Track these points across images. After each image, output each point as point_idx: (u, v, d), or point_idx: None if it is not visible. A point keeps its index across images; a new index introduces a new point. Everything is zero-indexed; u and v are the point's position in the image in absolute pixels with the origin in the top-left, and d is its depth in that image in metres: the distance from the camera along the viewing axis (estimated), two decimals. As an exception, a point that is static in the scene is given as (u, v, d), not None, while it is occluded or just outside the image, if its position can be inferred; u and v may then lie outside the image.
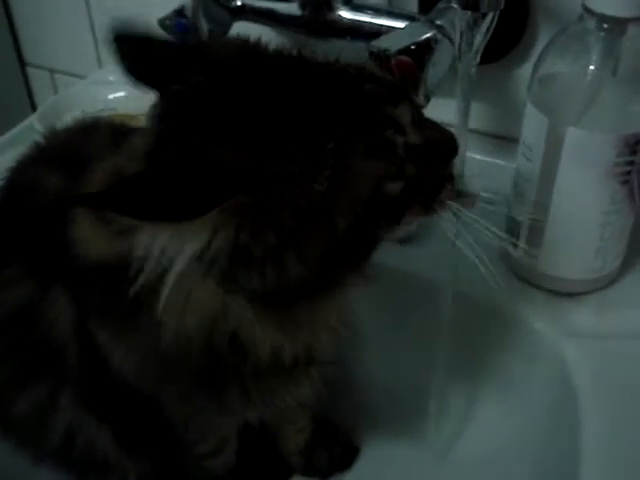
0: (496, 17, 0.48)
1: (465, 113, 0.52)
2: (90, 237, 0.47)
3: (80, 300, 0.51)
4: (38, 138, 0.62)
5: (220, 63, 0.45)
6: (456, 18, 0.64)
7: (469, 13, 0.47)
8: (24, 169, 0.59)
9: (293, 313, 0.47)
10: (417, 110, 0.47)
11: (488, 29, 0.48)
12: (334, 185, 0.41)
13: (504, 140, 0.77)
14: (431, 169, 0.46)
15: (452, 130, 0.48)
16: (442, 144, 0.47)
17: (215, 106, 0.42)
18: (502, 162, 0.75)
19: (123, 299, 0.44)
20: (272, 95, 0.42)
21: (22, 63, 1.11)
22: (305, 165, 0.40)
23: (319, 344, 0.51)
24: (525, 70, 0.72)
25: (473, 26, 0.48)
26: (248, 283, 0.43)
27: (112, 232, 0.44)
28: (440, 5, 0.67)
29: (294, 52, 0.46)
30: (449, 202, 0.48)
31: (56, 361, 0.53)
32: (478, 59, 0.50)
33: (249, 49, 0.46)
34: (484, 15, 0.47)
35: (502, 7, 0.47)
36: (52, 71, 1.08)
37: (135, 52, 0.47)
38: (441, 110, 0.69)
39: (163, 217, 0.37)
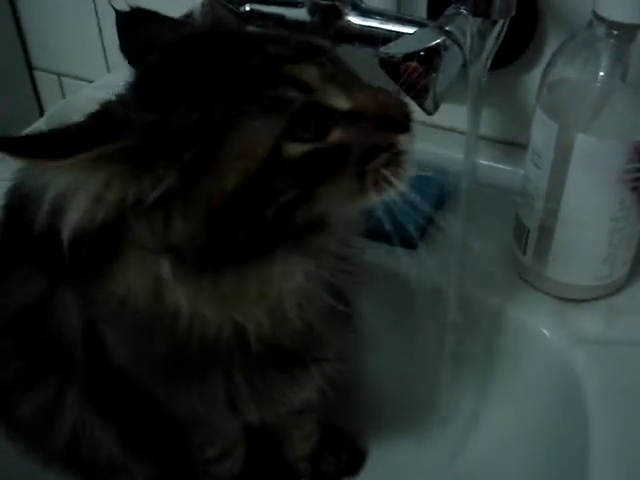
0: (506, 24, 0.48)
1: (476, 120, 0.52)
2: None
3: (82, 295, 0.51)
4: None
5: (176, 41, 0.47)
6: (465, 24, 0.64)
7: (479, 20, 0.47)
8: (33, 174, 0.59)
9: (219, 284, 0.44)
10: (345, 73, 0.45)
11: (498, 36, 0.48)
12: (221, 143, 0.41)
13: (512, 146, 0.77)
14: (367, 138, 0.44)
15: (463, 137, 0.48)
16: (381, 112, 0.44)
17: (147, 76, 0.45)
18: (510, 168, 0.75)
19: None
20: (186, 65, 0.44)
21: (30, 67, 1.11)
22: (191, 122, 0.41)
23: (253, 323, 0.47)
24: (533, 76, 0.72)
25: (484, 33, 0.48)
26: (145, 238, 0.43)
27: None
28: (449, 11, 0.67)
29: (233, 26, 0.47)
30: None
31: (63, 360, 0.53)
32: (488, 66, 0.50)
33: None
34: (494, 22, 0.47)
35: (513, 14, 0.47)
36: (60, 75, 1.09)
37: (132, 30, 0.48)
38: (451, 116, 0.70)
39: (44, 154, 0.38)
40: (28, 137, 0.39)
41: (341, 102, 0.43)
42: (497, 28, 0.47)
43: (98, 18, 0.99)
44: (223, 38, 0.46)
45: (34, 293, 0.53)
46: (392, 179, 0.45)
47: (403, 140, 0.45)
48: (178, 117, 0.41)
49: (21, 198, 0.59)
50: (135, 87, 0.45)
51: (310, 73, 0.42)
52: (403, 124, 0.45)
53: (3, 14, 1.06)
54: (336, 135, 0.43)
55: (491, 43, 0.48)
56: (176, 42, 0.46)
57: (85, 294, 0.50)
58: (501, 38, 0.48)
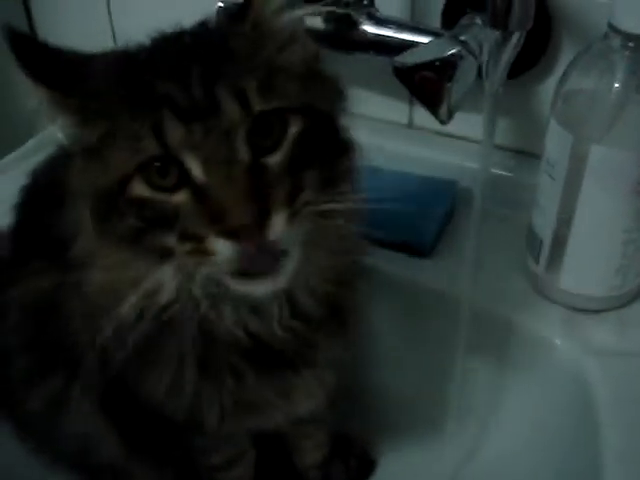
0: (523, 36, 0.48)
1: (491, 130, 0.53)
2: None
3: None
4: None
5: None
6: (480, 34, 0.64)
7: (497, 32, 0.47)
8: (48, 167, 0.60)
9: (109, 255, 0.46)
10: (219, 148, 0.42)
11: (515, 47, 0.48)
12: (111, 143, 0.43)
13: (523, 155, 0.77)
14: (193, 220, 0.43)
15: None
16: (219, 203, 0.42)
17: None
18: (522, 177, 0.75)
19: None
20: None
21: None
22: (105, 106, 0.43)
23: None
24: (547, 86, 0.72)
25: (501, 44, 0.48)
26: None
27: None
28: (463, 21, 0.67)
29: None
30: None
31: (70, 355, 0.53)
32: (505, 77, 0.50)
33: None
34: (511, 34, 0.47)
35: (530, 27, 0.47)
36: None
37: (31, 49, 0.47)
38: (462, 124, 0.70)
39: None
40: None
41: (197, 172, 0.41)
42: (514, 40, 0.47)
43: (110, 17, 1.00)
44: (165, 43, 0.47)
45: (47, 287, 0.53)
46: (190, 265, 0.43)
47: (217, 244, 0.41)
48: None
49: (34, 196, 0.60)
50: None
51: (176, 135, 0.41)
52: (230, 229, 0.40)
53: (17, 18, 1.06)
54: (178, 197, 0.42)
55: (508, 55, 0.48)
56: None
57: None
58: (518, 49, 0.48)
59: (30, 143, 0.90)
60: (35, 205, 0.59)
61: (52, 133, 0.84)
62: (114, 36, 1.00)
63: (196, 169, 0.41)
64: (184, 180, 0.41)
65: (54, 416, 0.58)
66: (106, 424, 0.57)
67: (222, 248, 0.40)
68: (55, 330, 0.54)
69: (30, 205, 0.60)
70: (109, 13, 0.99)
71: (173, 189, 0.42)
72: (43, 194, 0.58)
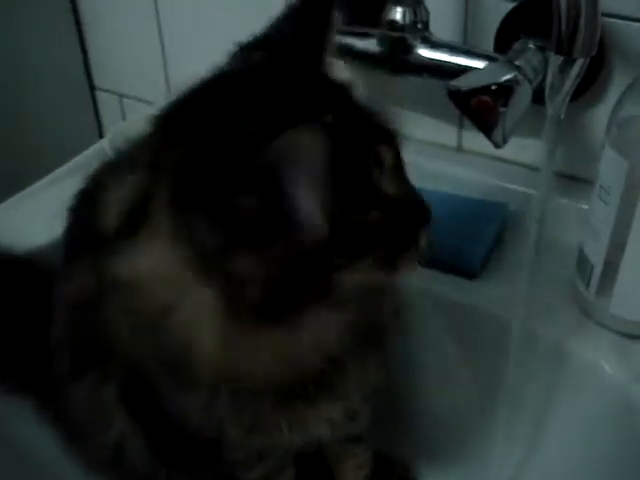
0: (587, 62, 0.48)
1: (551, 155, 0.53)
2: None
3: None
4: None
5: None
6: (534, 59, 0.65)
7: (561, 58, 0.48)
8: (104, 172, 0.60)
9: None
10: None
11: (579, 74, 0.48)
12: None
13: (571, 180, 0.77)
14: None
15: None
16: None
17: None
18: (571, 202, 0.75)
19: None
20: None
21: (92, 87, 1.14)
22: None
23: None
24: (598, 112, 0.72)
25: (564, 70, 0.48)
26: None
27: None
28: (517, 46, 0.68)
29: None
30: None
31: (106, 355, 0.54)
32: (567, 103, 0.50)
33: None
34: (575, 60, 0.48)
35: (595, 54, 0.48)
36: (121, 96, 1.11)
37: None
38: (514, 149, 0.71)
39: None
40: None
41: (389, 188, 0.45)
42: (577, 66, 0.48)
43: (161, 39, 1.01)
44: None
45: (90, 287, 0.54)
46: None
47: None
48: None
49: (88, 200, 0.61)
50: None
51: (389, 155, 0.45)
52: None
53: (68, 34, 1.08)
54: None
55: (571, 80, 0.49)
56: None
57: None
58: (581, 75, 0.49)
59: (80, 156, 0.91)
60: (86, 207, 0.60)
61: (101, 149, 0.87)
62: (164, 56, 1.03)
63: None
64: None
65: (90, 415, 0.58)
66: (135, 429, 0.57)
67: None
68: (93, 328, 0.54)
69: (82, 207, 0.61)
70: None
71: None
72: (94, 196, 0.59)
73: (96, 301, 0.52)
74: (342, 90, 0.47)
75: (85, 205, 0.59)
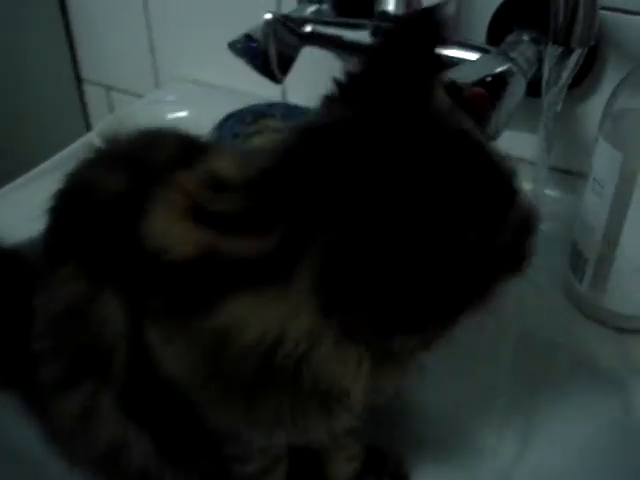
0: (584, 53, 0.48)
1: (547, 148, 0.52)
2: (165, 229, 0.47)
3: (136, 300, 0.51)
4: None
5: None
6: (528, 51, 0.64)
7: (558, 48, 0.47)
8: (84, 170, 0.59)
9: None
10: None
11: (576, 65, 0.48)
12: None
13: (566, 173, 0.77)
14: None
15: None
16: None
17: None
18: (564, 195, 0.75)
19: (190, 296, 0.45)
20: None
21: (78, 79, 1.12)
22: None
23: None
24: (592, 105, 0.72)
25: (561, 61, 0.48)
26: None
27: (192, 224, 0.46)
28: (511, 38, 0.67)
29: None
30: None
31: (100, 364, 0.53)
32: (564, 94, 0.50)
33: None
34: (572, 50, 0.47)
35: (593, 43, 0.47)
36: (108, 88, 1.10)
37: None
38: (507, 142, 0.70)
39: None
40: None
41: None
42: (575, 57, 0.47)
43: (149, 32, 1.00)
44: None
45: (77, 293, 0.53)
46: None
47: None
48: None
49: (69, 200, 0.60)
50: None
51: None
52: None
53: (55, 25, 1.07)
54: None
55: (568, 71, 0.48)
56: None
57: (138, 299, 0.50)
58: (578, 67, 0.48)
59: (67, 150, 0.90)
60: (70, 209, 0.59)
61: (88, 142, 0.85)
62: (152, 48, 1.01)
63: None
64: None
65: (85, 424, 0.58)
66: (139, 432, 0.57)
67: None
68: (87, 338, 0.54)
69: (65, 209, 0.59)
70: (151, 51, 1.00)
71: None
72: (79, 198, 0.58)
73: (86, 309, 0.52)
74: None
75: (72, 209, 0.58)
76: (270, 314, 0.45)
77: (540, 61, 0.60)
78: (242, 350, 0.46)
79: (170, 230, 0.47)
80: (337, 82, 0.47)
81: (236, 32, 0.74)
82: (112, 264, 0.51)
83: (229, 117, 0.84)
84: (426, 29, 0.47)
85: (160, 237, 0.47)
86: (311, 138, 0.45)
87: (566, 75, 0.48)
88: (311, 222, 0.42)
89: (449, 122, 0.47)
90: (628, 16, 0.67)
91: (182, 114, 0.91)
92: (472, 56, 0.66)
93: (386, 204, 0.41)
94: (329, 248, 0.42)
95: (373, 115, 0.44)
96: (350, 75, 0.48)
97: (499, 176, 0.45)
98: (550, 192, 0.74)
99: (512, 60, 0.62)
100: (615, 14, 0.67)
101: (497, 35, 0.70)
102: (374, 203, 0.41)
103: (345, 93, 0.48)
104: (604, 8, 0.67)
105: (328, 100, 0.48)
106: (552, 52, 0.48)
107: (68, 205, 0.59)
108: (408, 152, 0.42)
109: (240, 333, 0.45)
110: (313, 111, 0.48)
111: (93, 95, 1.12)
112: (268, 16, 0.70)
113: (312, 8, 0.76)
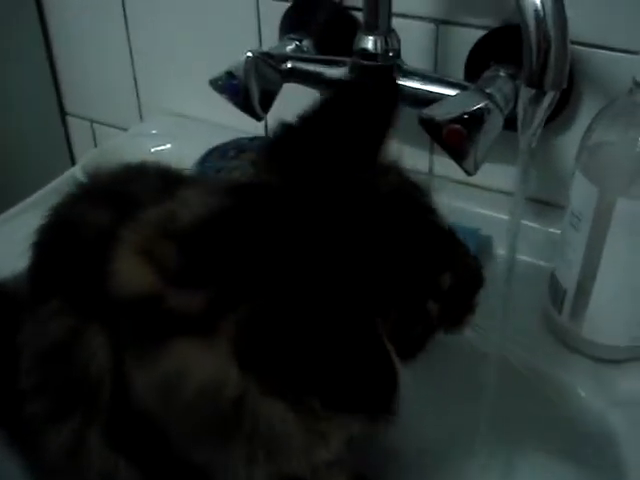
0: (558, 94, 0.49)
1: (525, 180, 0.54)
2: (122, 267, 0.48)
3: (115, 336, 0.51)
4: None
5: None
6: (505, 87, 0.66)
7: (532, 90, 0.48)
8: (68, 206, 0.60)
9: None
10: None
11: (550, 106, 0.49)
12: None
13: (545, 205, 0.78)
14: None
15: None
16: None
17: None
18: (542, 227, 0.76)
19: (144, 333, 0.47)
20: None
21: (63, 113, 1.13)
22: None
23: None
24: (568, 138, 0.73)
25: (535, 102, 0.49)
26: None
27: (147, 266, 0.47)
28: (488, 73, 0.69)
29: None
30: None
31: (87, 399, 0.53)
32: (539, 133, 0.51)
33: None
34: (545, 92, 0.48)
35: (565, 87, 0.48)
36: (92, 121, 1.11)
37: None
38: (486, 175, 0.71)
39: None
40: None
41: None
42: (548, 98, 0.48)
43: (133, 66, 1.01)
44: None
45: (63, 328, 0.53)
46: None
47: None
48: None
49: (53, 235, 0.60)
50: None
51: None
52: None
53: (39, 59, 1.08)
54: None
55: (543, 112, 0.49)
56: None
57: (117, 334, 0.51)
58: (552, 107, 0.49)
59: (51, 184, 0.91)
60: (55, 244, 0.59)
61: (72, 176, 0.86)
62: (135, 82, 1.02)
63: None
64: None
65: (73, 459, 0.57)
66: (128, 465, 0.57)
67: None
68: (73, 372, 0.54)
69: (49, 244, 0.60)
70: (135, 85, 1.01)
71: None
72: (63, 233, 0.59)
73: (72, 344, 0.52)
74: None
75: (57, 244, 0.58)
76: (207, 362, 0.46)
77: (517, 96, 0.61)
78: (192, 392, 0.47)
79: (125, 268, 0.48)
80: (269, 139, 0.50)
81: (219, 67, 0.75)
82: (96, 299, 0.51)
83: (212, 151, 0.84)
84: (375, 92, 0.51)
85: (117, 274, 0.48)
86: (240, 200, 0.47)
87: (540, 116, 0.49)
88: (237, 287, 0.44)
89: (386, 185, 0.49)
90: (602, 51, 0.69)
91: (165, 147, 0.92)
92: (450, 92, 0.67)
93: (300, 279, 0.42)
94: (249, 314, 0.43)
95: (297, 183, 0.47)
96: (277, 136, 0.50)
97: (433, 241, 0.48)
98: (529, 223, 0.75)
99: (489, 96, 0.63)
100: (589, 49, 0.69)
101: (474, 71, 0.72)
102: (290, 277, 0.42)
103: (273, 154, 0.50)
104: (577, 43, 0.68)
105: (259, 157, 0.50)
106: (526, 93, 0.49)
107: (52, 240, 0.59)
108: (327, 225, 0.44)
109: (187, 375, 0.46)
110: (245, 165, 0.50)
111: (77, 129, 1.13)
112: (249, 54, 0.71)
113: (293, 45, 0.77)
